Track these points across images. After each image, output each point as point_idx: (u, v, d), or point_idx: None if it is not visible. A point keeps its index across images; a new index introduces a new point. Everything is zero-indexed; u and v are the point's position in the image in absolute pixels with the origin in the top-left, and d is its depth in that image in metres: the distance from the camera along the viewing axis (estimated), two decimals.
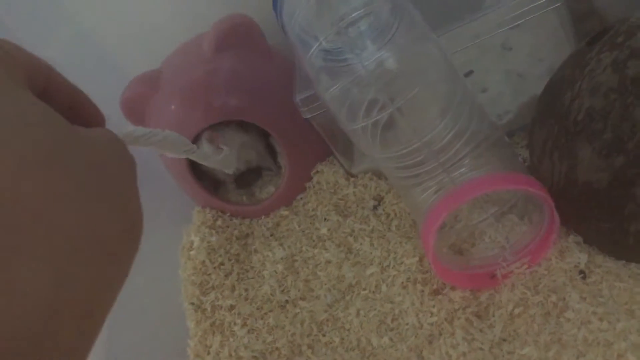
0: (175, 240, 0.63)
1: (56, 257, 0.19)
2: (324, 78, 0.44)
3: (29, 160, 0.19)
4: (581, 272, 0.43)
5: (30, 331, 0.18)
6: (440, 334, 0.45)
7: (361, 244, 0.54)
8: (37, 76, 0.24)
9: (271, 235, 0.61)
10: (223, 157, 0.52)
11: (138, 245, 0.24)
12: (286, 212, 0.62)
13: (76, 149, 0.22)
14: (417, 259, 0.50)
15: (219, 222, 0.62)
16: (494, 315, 0.44)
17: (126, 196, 0.24)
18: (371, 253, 0.53)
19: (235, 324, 0.54)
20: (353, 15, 0.41)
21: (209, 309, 0.56)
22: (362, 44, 0.42)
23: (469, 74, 0.57)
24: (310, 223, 0.60)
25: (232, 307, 0.55)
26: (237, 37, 0.57)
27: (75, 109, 0.28)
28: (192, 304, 0.56)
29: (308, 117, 0.54)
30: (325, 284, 0.54)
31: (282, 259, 0.57)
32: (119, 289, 0.23)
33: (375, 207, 0.57)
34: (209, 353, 0.53)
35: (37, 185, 0.19)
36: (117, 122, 0.60)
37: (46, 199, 0.19)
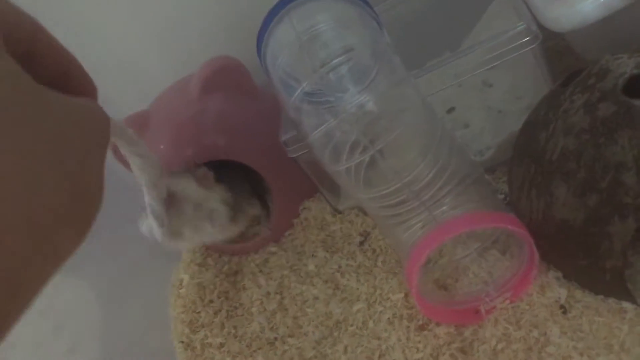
0: (165, 278, 0.63)
1: None
2: (306, 121, 0.45)
3: None
4: (562, 307, 0.44)
5: None
6: None
7: (348, 279, 0.55)
8: (18, 33, 0.23)
9: (260, 271, 0.62)
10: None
11: (91, 219, 0.23)
12: (274, 249, 0.63)
13: (33, 106, 0.21)
14: (402, 294, 0.50)
15: (208, 260, 0.63)
16: (478, 351, 0.45)
17: (85, 165, 0.23)
18: (358, 289, 0.54)
19: None
20: (335, 61, 0.43)
21: (198, 347, 0.56)
22: (343, 87, 0.44)
23: (450, 110, 0.58)
24: (298, 259, 0.60)
25: (221, 345, 0.56)
26: (224, 78, 0.58)
27: (64, 75, 0.26)
28: (182, 342, 0.57)
29: (294, 156, 0.55)
30: (313, 321, 0.54)
31: (270, 295, 0.58)
32: (56, 264, 0.21)
33: (361, 243, 0.58)
34: None
35: None
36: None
37: None
